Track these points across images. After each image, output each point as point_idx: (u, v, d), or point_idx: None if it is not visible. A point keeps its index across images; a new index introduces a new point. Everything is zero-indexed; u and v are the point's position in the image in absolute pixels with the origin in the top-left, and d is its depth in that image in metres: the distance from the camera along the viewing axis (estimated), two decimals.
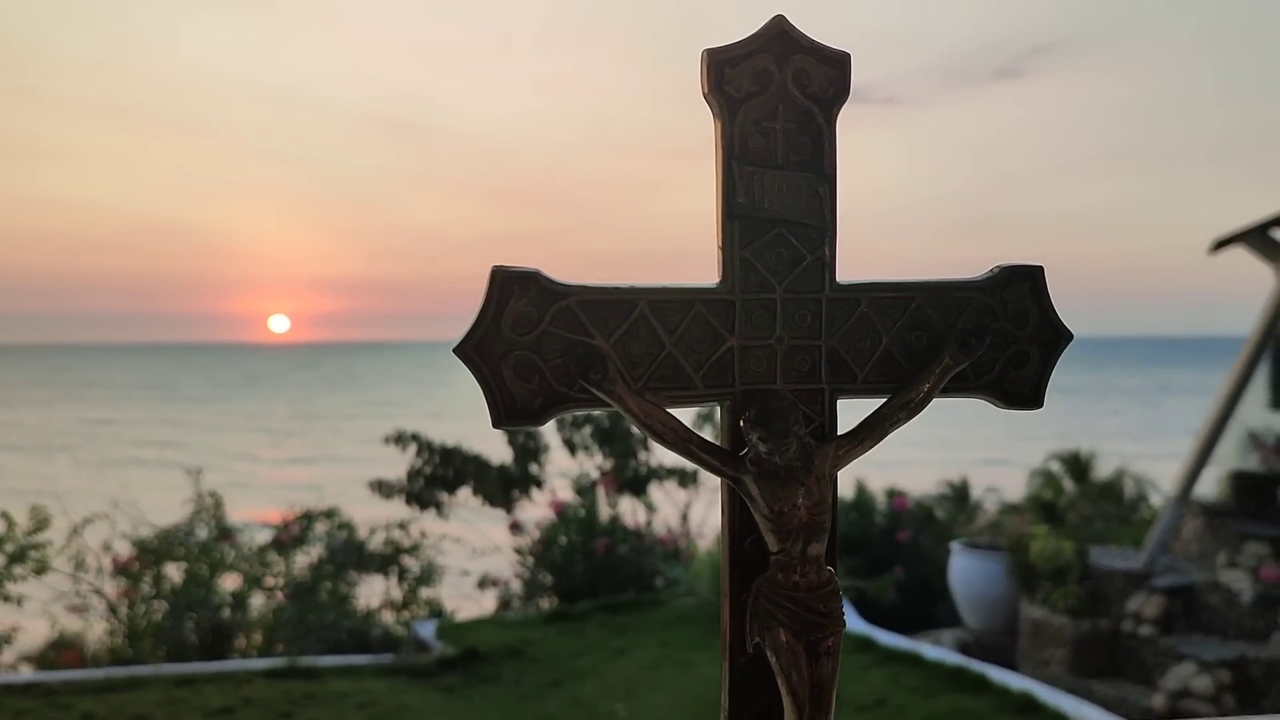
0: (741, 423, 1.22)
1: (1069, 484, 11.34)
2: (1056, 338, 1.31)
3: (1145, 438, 33.02)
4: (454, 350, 1.18)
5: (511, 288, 1.19)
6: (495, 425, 1.20)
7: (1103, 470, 11.69)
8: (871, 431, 1.24)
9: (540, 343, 1.19)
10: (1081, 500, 10.88)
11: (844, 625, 1.22)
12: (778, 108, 1.24)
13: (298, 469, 31.58)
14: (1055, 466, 11.63)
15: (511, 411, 1.19)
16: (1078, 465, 11.44)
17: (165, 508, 9.22)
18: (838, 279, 1.26)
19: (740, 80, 1.23)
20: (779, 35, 1.23)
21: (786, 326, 1.25)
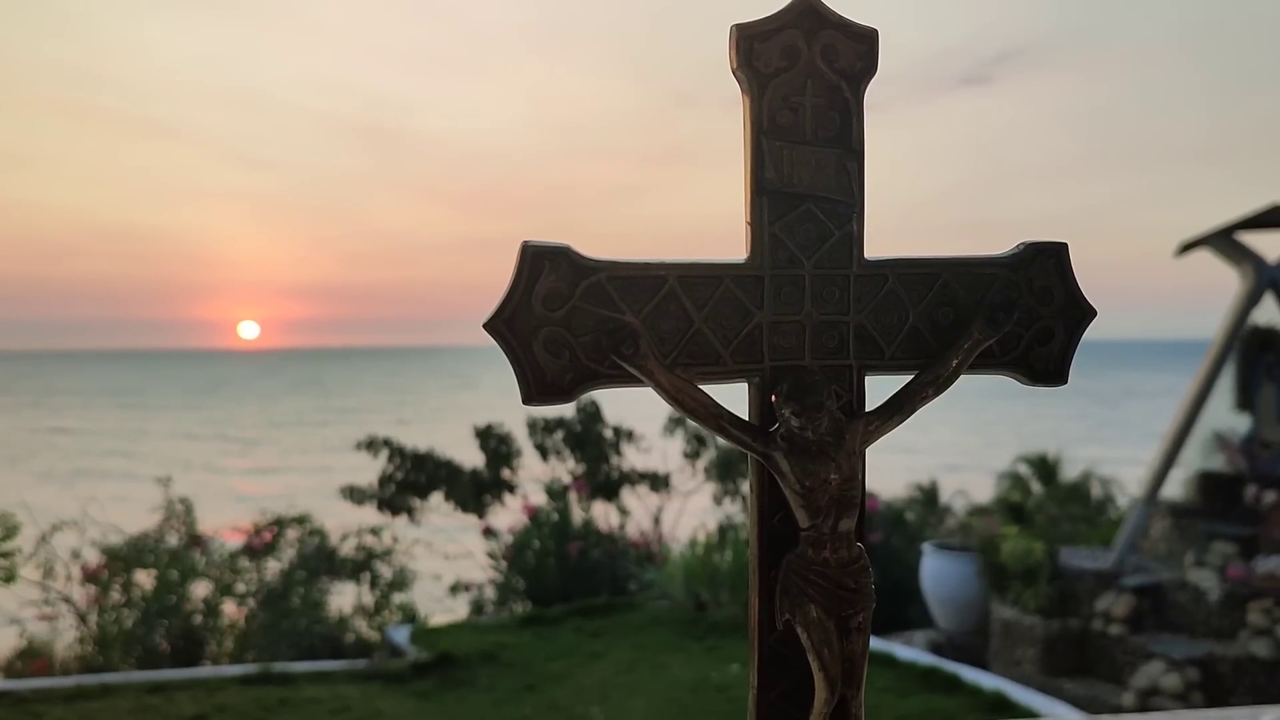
0: (774, 398, 1.21)
1: (1037, 486, 11.43)
2: (1081, 314, 1.32)
3: (1110, 440, 33.37)
4: (484, 325, 1.17)
5: (542, 263, 1.18)
6: (526, 401, 1.19)
7: (1069, 472, 11.80)
8: (901, 407, 1.24)
9: (570, 319, 1.18)
10: (1049, 502, 10.97)
11: (874, 601, 1.22)
12: (806, 83, 1.23)
13: (267, 475, 31.30)
14: (1023, 469, 11.72)
15: (542, 387, 1.19)
16: (1045, 467, 11.53)
17: (134, 516, 9.11)
18: (865, 255, 1.26)
19: (769, 55, 1.22)
20: (807, 10, 1.23)
21: (815, 302, 1.24)
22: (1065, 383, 1.32)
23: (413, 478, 10.02)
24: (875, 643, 7.57)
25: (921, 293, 1.28)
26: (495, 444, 10.27)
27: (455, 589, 9.78)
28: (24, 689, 6.71)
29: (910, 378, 1.26)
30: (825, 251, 1.24)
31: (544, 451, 10.23)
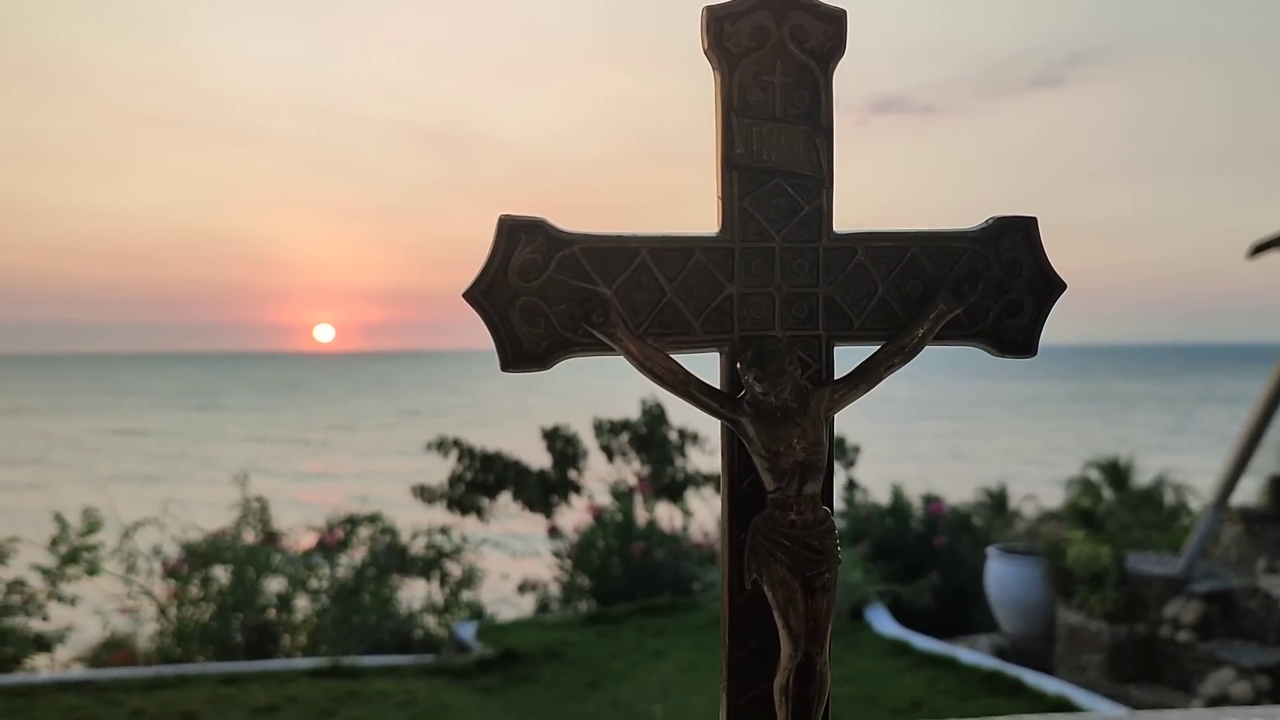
0: (738, 364, 1.26)
1: (1108, 492, 11.22)
2: (1050, 287, 1.34)
3: (1181, 447, 32.56)
4: (463, 295, 1.23)
5: (518, 236, 1.24)
6: (504, 368, 1.25)
7: (1141, 478, 11.56)
8: (866, 376, 1.28)
9: (546, 289, 1.24)
10: (1121, 508, 10.77)
11: (839, 561, 1.26)
12: (776, 62, 1.28)
13: (338, 475, 31.78)
14: (1093, 474, 11.51)
15: (519, 355, 1.25)
16: (1116, 473, 11.32)
17: (211, 514, 9.35)
18: (835, 229, 1.30)
19: (739, 36, 1.27)
20: None
21: (785, 274, 1.29)
22: (1034, 354, 1.34)
23: (482, 478, 10.17)
24: (938, 646, 7.53)
25: (890, 265, 1.31)
26: (562, 445, 10.38)
27: (523, 588, 9.90)
28: (105, 678, 6.94)
29: (877, 347, 1.30)
30: (795, 225, 1.29)
31: (609, 453, 10.31)
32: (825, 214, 1.29)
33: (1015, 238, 1.33)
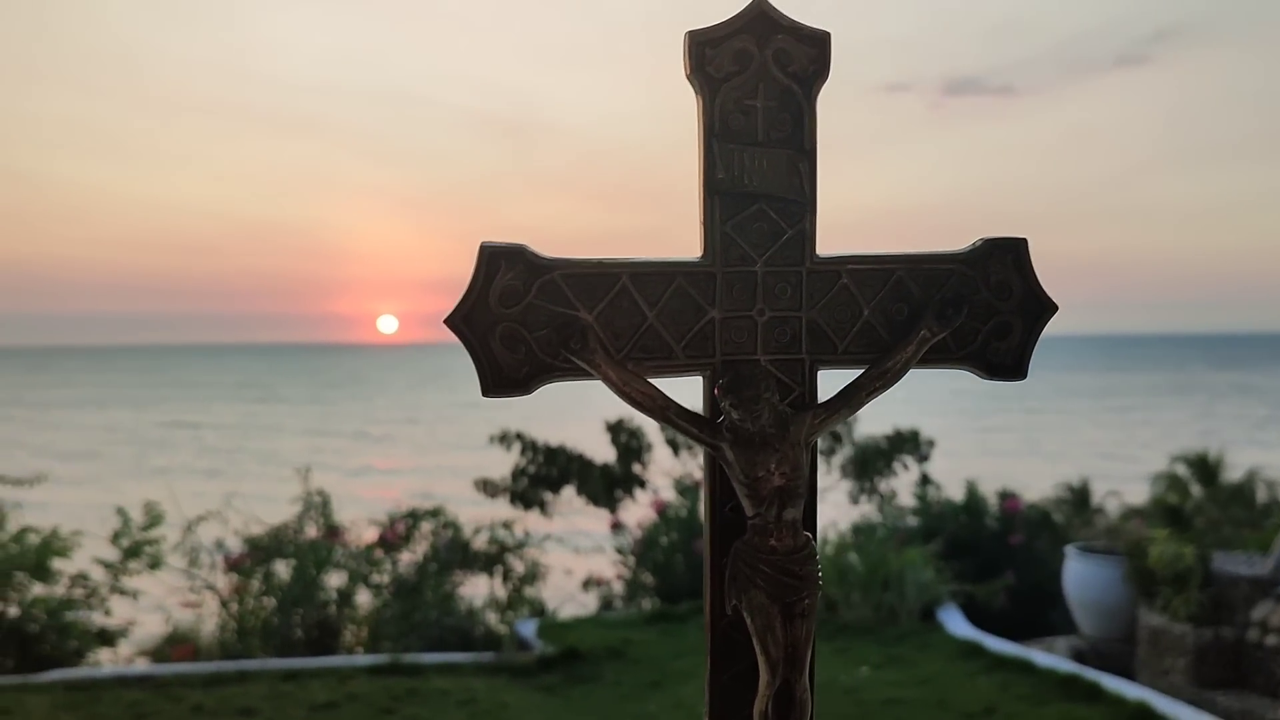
0: (716, 391, 1.26)
1: (1196, 488, 10.92)
2: (1040, 309, 1.32)
3: (1275, 440, 31.51)
4: (444, 321, 1.25)
5: (498, 262, 1.25)
6: (484, 393, 1.27)
7: (1233, 473, 11.21)
8: (848, 401, 1.27)
9: (526, 315, 1.25)
10: (1209, 505, 10.46)
11: (819, 588, 1.25)
12: (759, 86, 1.28)
13: (402, 470, 32.04)
14: (1181, 469, 11.20)
15: (499, 380, 1.26)
16: (1205, 468, 10.99)
17: (272, 508, 9.39)
18: (818, 252, 1.29)
19: (721, 61, 1.27)
20: (759, 16, 1.27)
21: (767, 299, 1.29)
22: (1024, 377, 1.32)
23: (545, 472, 10.18)
24: (1012, 648, 7.39)
25: (875, 289, 1.30)
26: (626, 439, 10.34)
27: (587, 584, 9.89)
28: (165, 673, 7.02)
29: (857, 372, 1.29)
30: (777, 249, 1.28)
31: (675, 446, 10.24)
32: (809, 237, 1.29)
33: (1004, 260, 1.31)
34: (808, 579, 1.24)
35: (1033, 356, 1.32)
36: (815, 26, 1.28)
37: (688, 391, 1.30)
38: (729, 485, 1.26)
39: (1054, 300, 1.32)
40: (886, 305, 1.30)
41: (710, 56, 1.27)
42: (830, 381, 1.31)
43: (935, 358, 1.30)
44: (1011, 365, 1.32)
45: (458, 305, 1.25)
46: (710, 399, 1.28)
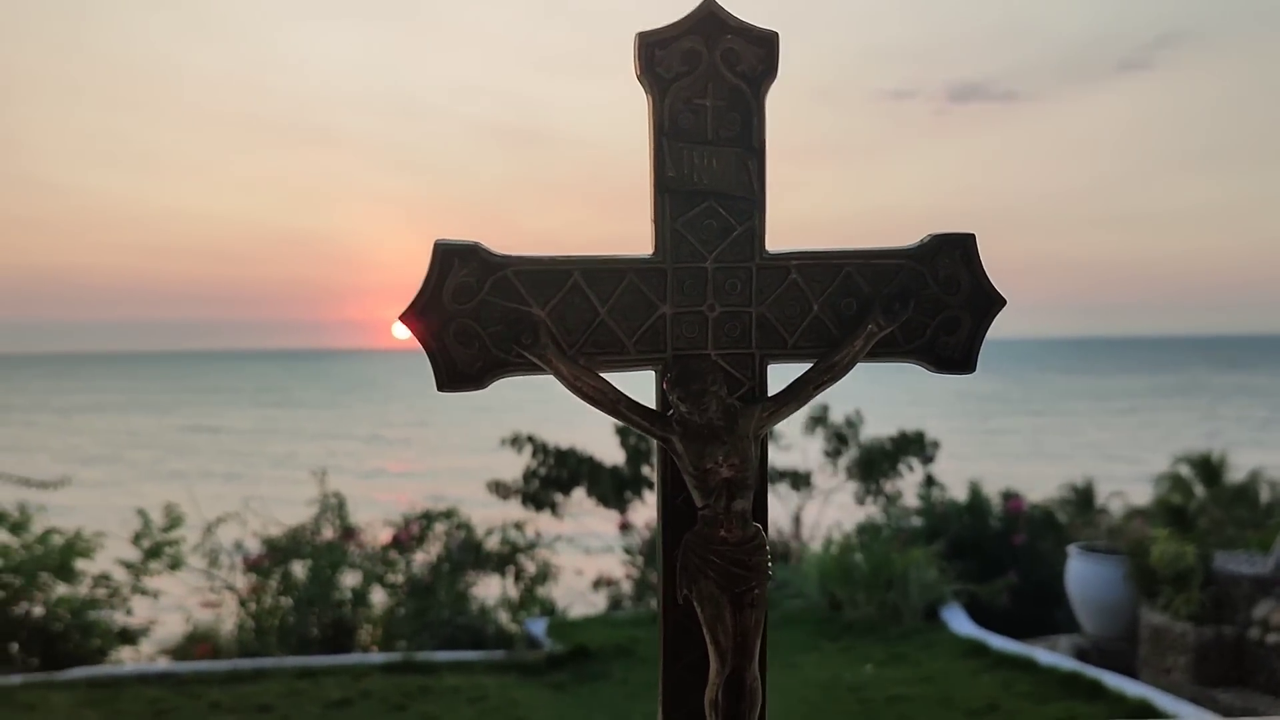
0: (664, 385, 1.28)
1: (1199, 489, 10.88)
2: (989, 303, 1.34)
3: (1277, 441, 31.29)
4: (399, 318, 1.27)
5: (452, 260, 1.27)
6: (439, 389, 1.29)
7: (1236, 474, 11.17)
8: (796, 395, 1.29)
9: (480, 311, 1.28)
10: (1213, 505, 10.44)
11: (769, 578, 1.27)
12: (707, 86, 1.30)
13: (415, 472, 32.11)
14: (1184, 470, 11.17)
15: (453, 376, 1.28)
16: (1209, 469, 10.96)
17: (289, 510, 9.52)
18: (768, 249, 1.31)
19: (670, 60, 1.29)
20: (707, 17, 1.29)
21: (717, 294, 1.31)
22: (972, 371, 1.34)
23: (556, 473, 10.24)
24: (1015, 647, 7.41)
25: (824, 284, 1.32)
26: (635, 441, 10.39)
27: (596, 584, 9.95)
28: (185, 671, 7.14)
29: (808, 366, 1.31)
30: (727, 246, 1.30)
31: None
32: (758, 234, 1.31)
33: (953, 254, 1.33)
34: (756, 569, 1.26)
35: (981, 349, 1.34)
36: (763, 27, 1.30)
37: (640, 386, 1.32)
38: (679, 477, 1.29)
39: (1002, 294, 1.33)
40: (836, 300, 1.32)
41: (660, 57, 1.29)
42: (780, 376, 1.33)
43: (884, 351, 1.32)
44: (960, 359, 1.34)
45: (412, 302, 1.27)
46: (661, 393, 1.31)
